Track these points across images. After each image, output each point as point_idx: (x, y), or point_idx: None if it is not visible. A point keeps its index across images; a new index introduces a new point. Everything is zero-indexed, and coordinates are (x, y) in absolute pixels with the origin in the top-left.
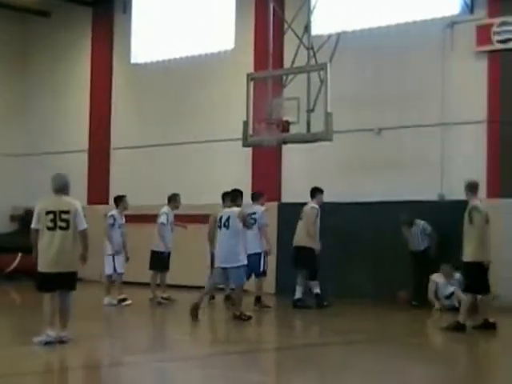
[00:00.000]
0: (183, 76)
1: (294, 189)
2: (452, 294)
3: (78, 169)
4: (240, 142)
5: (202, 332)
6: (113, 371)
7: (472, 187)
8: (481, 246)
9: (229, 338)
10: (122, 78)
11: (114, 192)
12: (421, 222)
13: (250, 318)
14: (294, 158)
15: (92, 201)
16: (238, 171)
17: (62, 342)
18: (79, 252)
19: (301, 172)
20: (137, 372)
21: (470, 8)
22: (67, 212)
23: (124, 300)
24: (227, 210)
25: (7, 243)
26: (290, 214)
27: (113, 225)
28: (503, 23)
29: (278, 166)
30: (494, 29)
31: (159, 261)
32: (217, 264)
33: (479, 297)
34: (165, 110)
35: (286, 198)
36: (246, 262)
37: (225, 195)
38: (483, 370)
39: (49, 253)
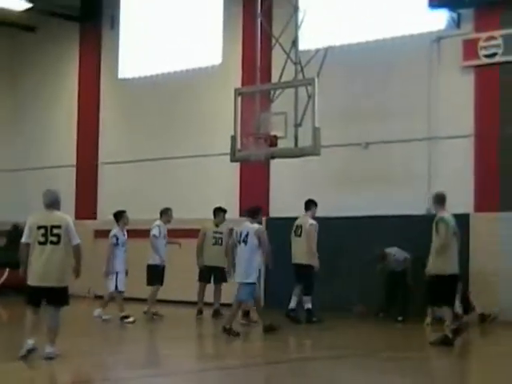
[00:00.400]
0: (171, 91)
1: (282, 203)
2: None
3: (66, 184)
4: (228, 157)
5: (192, 347)
6: None
7: (440, 199)
8: (447, 258)
9: (220, 353)
10: (109, 92)
11: (101, 207)
12: (392, 252)
13: (238, 334)
14: (282, 173)
15: (80, 216)
16: (226, 186)
17: (49, 358)
18: (71, 266)
19: (289, 187)
20: None
21: (457, 23)
22: (58, 227)
23: (126, 317)
24: (248, 225)
25: None
26: (278, 229)
27: (116, 244)
28: (490, 38)
29: (266, 181)
30: (481, 43)
31: (156, 274)
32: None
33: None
34: (153, 124)
35: (275, 212)
36: (255, 281)
37: (216, 210)
38: None
39: (37, 267)
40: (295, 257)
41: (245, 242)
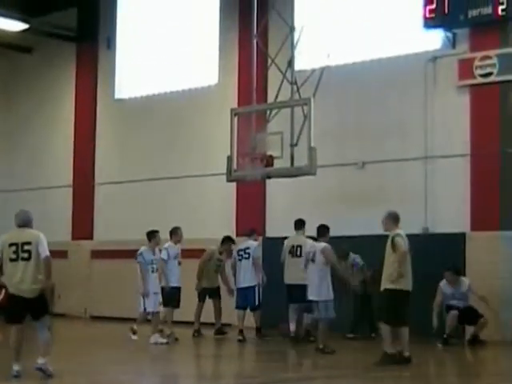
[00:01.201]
0: (167, 111)
1: (278, 223)
2: (457, 308)
3: (62, 204)
4: (224, 177)
5: (189, 367)
6: None
7: (393, 218)
8: (402, 275)
9: (215, 373)
10: (106, 113)
11: (98, 227)
12: (352, 256)
13: (333, 351)
14: (278, 193)
15: (76, 236)
16: (222, 206)
17: (40, 369)
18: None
19: (285, 206)
20: None
21: (452, 43)
22: (29, 243)
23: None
24: (314, 243)
25: None
26: (274, 249)
27: (141, 262)
28: (485, 57)
29: (262, 201)
30: (476, 63)
31: (169, 296)
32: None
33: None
34: (149, 145)
35: (271, 232)
36: (331, 297)
37: (225, 240)
38: None
39: (12, 281)
40: (295, 277)
41: (313, 260)
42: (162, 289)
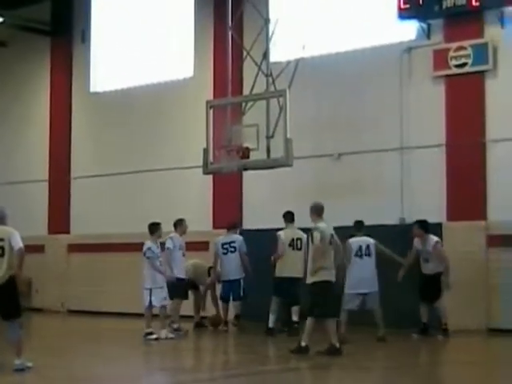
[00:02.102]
0: (143, 104)
1: (255, 215)
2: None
3: (38, 199)
4: (201, 169)
5: (173, 359)
6: None
7: (317, 210)
8: (321, 267)
9: (197, 366)
10: (81, 106)
11: (74, 221)
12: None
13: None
14: (254, 185)
15: (53, 230)
16: (199, 199)
17: (18, 370)
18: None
19: (262, 198)
20: None
21: (427, 33)
22: (2, 240)
23: (150, 334)
24: (362, 238)
25: None
26: (252, 241)
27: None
28: (460, 48)
29: (239, 193)
30: (451, 53)
31: (175, 288)
32: (355, 290)
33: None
34: (125, 138)
35: (248, 224)
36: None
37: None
38: None
39: None
40: (296, 270)
41: (368, 254)
42: (168, 280)
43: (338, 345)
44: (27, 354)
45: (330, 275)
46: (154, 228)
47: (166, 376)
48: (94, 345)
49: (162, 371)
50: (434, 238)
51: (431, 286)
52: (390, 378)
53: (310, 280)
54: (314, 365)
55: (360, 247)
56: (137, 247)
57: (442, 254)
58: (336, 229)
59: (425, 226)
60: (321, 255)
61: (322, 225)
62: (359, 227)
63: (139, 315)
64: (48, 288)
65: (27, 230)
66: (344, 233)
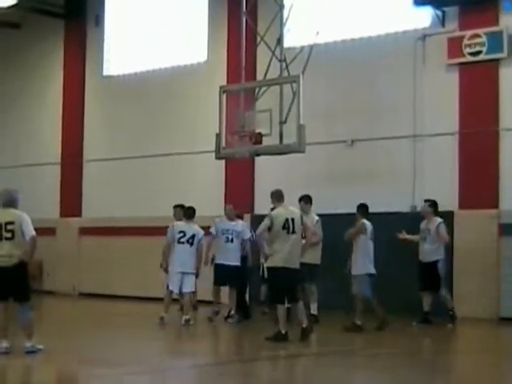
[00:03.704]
0: (156, 88)
1: (267, 201)
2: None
3: (50, 181)
4: (213, 154)
5: (175, 346)
6: None
7: (276, 196)
8: (272, 252)
9: (199, 351)
10: (94, 90)
11: (86, 204)
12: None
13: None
14: (267, 170)
15: (65, 213)
16: (211, 183)
17: (30, 352)
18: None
19: (274, 184)
20: None
21: (442, 21)
22: (12, 223)
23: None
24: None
25: None
26: None
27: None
28: (474, 35)
29: (251, 178)
30: (465, 41)
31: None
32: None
33: None
34: (138, 122)
35: (260, 209)
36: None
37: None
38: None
39: None
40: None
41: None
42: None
43: (284, 331)
44: (38, 336)
45: (279, 261)
46: (192, 212)
47: (175, 359)
48: (104, 328)
49: (171, 355)
50: (438, 219)
51: (430, 275)
52: (400, 366)
53: (268, 264)
54: (318, 352)
55: (372, 231)
56: (148, 231)
57: (444, 233)
58: (347, 215)
59: (434, 206)
60: (270, 241)
61: (277, 210)
62: (366, 211)
63: (151, 299)
64: (59, 271)
65: (39, 213)
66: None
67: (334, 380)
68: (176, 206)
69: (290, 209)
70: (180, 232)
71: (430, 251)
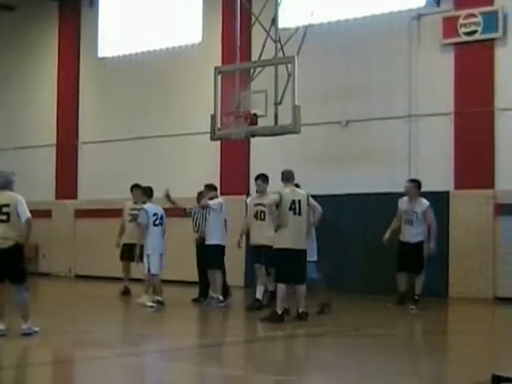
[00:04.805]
0: (151, 70)
1: None
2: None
3: (45, 164)
4: (208, 136)
5: (171, 327)
6: (77, 366)
7: (288, 176)
8: (285, 233)
9: (195, 332)
10: (89, 72)
11: (82, 187)
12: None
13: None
14: (262, 151)
15: (60, 196)
16: (206, 165)
17: (26, 334)
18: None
19: (269, 165)
20: (101, 367)
21: (437, 1)
22: (7, 205)
23: (159, 302)
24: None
25: None
26: None
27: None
28: (469, 15)
29: (247, 160)
30: (461, 21)
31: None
32: None
33: None
34: (132, 103)
35: (255, 191)
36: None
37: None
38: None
39: None
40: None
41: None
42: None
43: (280, 312)
44: (34, 318)
45: (285, 242)
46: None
47: (171, 341)
48: (99, 310)
49: (166, 336)
50: (426, 202)
51: (413, 256)
52: (396, 347)
53: (269, 243)
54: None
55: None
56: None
57: (433, 219)
58: (344, 196)
59: (419, 186)
60: (277, 220)
61: (284, 190)
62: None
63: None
64: (55, 253)
65: (34, 195)
66: (351, 200)
67: (330, 360)
68: (135, 186)
69: (297, 191)
70: (154, 214)
71: (416, 233)
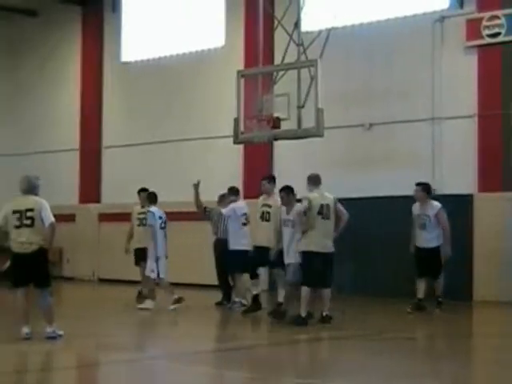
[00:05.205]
0: (174, 74)
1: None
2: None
3: (69, 168)
4: (231, 139)
5: (193, 330)
6: (100, 369)
7: (315, 180)
8: (313, 237)
9: (218, 336)
10: (112, 76)
11: (105, 191)
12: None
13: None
14: (285, 155)
15: (84, 200)
16: (229, 168)
17: (50, 337)
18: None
19: (292, 168)
20: (124, 370)
21: (460, 2)
22: (31, 210)
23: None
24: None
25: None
26: None
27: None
28: (493, 17)
29: (270, 163)
30: (484, 23)
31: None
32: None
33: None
34: (156, 107)
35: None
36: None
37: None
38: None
39: (17, 241)
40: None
41: None
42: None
43: (304, 315)
44: (58, 322)
45: (313, 245)
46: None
47: (194, 344)
48: (123, 313)
49: (189, 339)
50: (438, 204)
51: (431, 262)
52: (419, 351)
53: (300, 249)
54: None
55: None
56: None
57: (446, 221)
58: (367, 199)
59: (427, 189)
60: (305, 225)
61: (313, 195)
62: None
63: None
64: (79, 257)
65: (58, 200)
66: (374, 203)
67: (355, 364)
68: (142, 190)
69: (325, 194)
70: (160, 218)
71: (431, 238)
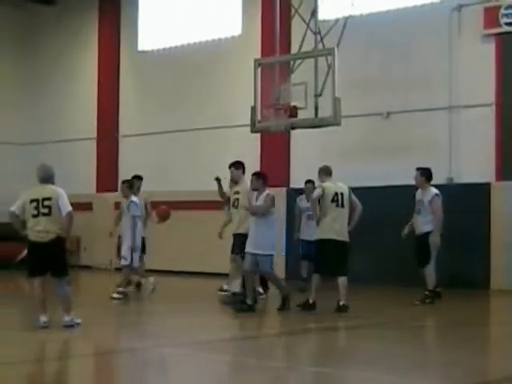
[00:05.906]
0: (190, 62)
1: (302, 174)
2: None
3: (86, 157)
4: (248, 128)
5: (209, 319)
6: (116, 357)
7: (327, 171)
8: (327, 225)
9: (234, 324)
10: (129, 65)
11: (122, 179)
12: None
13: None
14: (302, 143)
15: (101, 189)
16: (246, 157)
17: (68, 326)
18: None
19: (309, 157)
20: (141, 358)
21: None
22: (49, 199)
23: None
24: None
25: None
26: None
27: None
28: (511, 6)
29: (287, 152)
30: (502, 11)
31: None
32: None
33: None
34: (173, 96)
35: (295, 183)
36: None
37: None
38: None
39: (34, 230)
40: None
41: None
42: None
43: (311, 301)
44: (75, 310)
45: (328, 233)
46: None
47: (212, 333)
48: (140, 301)
49: (208, 328)
50: (434, 191)
51: (417, 249)
52: (437, 338)
53: (313, 237)
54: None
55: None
56: (182, 205)
57: (438, 208)
58: (383, 188)
59: (426, 174)
60: (319, 212)
61: (326, 184)
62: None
63: (184, 273)
64: (96, 246)
65: (75, 188)
66: (392, 192)
67: (373, 352)
68: (136, 178)
69: (339, 184)
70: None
71: (421, 223)
